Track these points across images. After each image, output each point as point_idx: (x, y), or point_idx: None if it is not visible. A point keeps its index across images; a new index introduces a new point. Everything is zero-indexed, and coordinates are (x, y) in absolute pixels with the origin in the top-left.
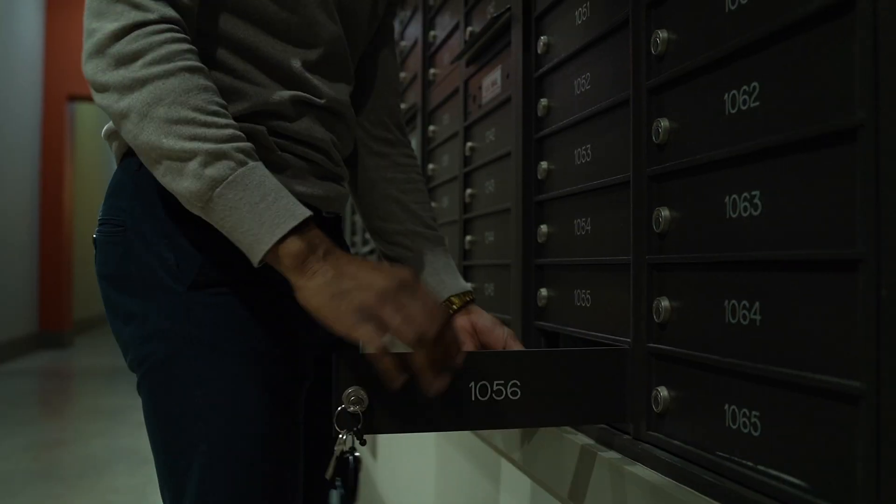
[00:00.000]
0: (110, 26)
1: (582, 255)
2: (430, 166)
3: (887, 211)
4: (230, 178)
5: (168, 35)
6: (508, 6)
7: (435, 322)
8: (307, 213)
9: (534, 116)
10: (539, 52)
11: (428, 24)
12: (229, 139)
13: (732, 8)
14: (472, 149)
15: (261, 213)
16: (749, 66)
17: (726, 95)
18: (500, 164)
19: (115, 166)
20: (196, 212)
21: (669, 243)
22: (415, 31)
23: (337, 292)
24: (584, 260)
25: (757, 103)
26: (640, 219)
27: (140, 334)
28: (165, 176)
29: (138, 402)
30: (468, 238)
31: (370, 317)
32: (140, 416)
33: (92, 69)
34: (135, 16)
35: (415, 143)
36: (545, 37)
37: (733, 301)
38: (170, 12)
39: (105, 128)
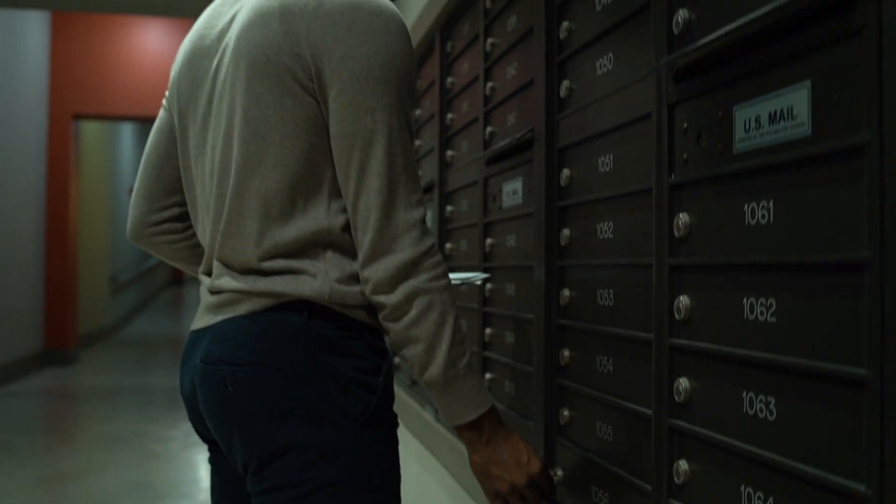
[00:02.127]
0: (428, 242)
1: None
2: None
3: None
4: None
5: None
6: (531, 128)
7: None
8: (491, 401)
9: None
10: (562, 183)
11: (446, 70)
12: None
13: None
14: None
15: (473, 395)
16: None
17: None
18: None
19: (120, 186)
20: (425, 375)
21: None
22: (431, 72)
23: (488, 474)
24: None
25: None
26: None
27: (302, 463)
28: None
29: (144, 428)
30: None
31: (502, 498)
32: (149, 446)
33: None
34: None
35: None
36: (567, 170)
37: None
38: None
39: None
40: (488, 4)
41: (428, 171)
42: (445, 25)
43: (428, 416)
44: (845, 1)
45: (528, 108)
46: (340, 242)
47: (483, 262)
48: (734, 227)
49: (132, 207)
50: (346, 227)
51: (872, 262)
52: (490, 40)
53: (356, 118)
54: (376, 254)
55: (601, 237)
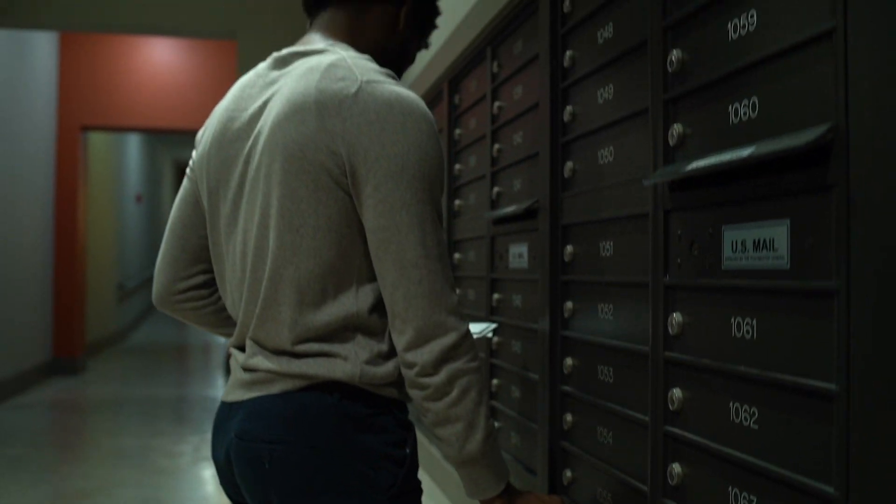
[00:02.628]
0: (465, 326)
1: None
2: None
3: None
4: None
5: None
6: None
7: None
8: (508, 473)
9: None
10: (565, 259)
11: (454, 122)
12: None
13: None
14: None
15: (499, 468)
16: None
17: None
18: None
19: (126, 194)
20: (463, 453)
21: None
22: (439, 120)
23: None
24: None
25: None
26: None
27: None
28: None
29: (152, 443)
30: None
31: None
32: (158, 462)
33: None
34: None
35: None
36: (570, 246)
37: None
38: None
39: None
40: (495, 69)
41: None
42: (453, 79)
43: (435, 451)
44: (819, 157)
45: (534, 180)
46: (369, 325)
47: (490, 314)
48: (721, 334)
49: (157, 275)
50: (373, 310)
51: (839, 394)
52: (497, 103)
53: (392, 213)
54: (421, 339)
55: (602, 316)
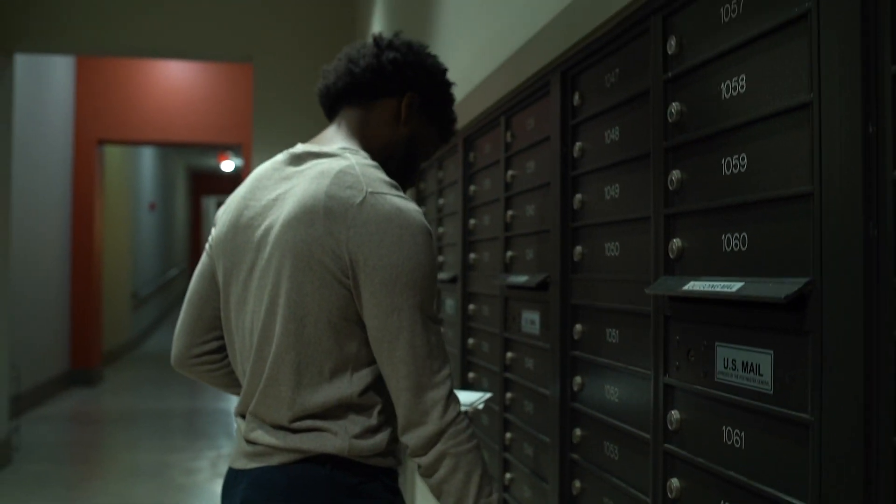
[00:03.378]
0: (452, 413)
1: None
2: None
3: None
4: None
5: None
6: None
7: None
8: None
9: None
10: (574, 337)
11: (468, 179)
12: None
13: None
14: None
15: None
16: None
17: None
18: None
19: (141, 204)
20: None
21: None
22: (455, 171)
23: None
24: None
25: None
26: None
27: None
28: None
29: (172, 458)
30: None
31: None
32: (177, 479)
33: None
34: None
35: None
36: (580, 325)
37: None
38: None
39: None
40: (509, 139)
41: (451, 265)
42: (468, 137)
43: None
44: (798, 305)
45: (545, 253)
46: (361, 403)
47: (503, 372)
48: (714, 438)
49: (176, 340)
50: (366, 391)
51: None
52: (510, 172)
53: (386, 316)
54: (410, 426)
55: (608, 397)
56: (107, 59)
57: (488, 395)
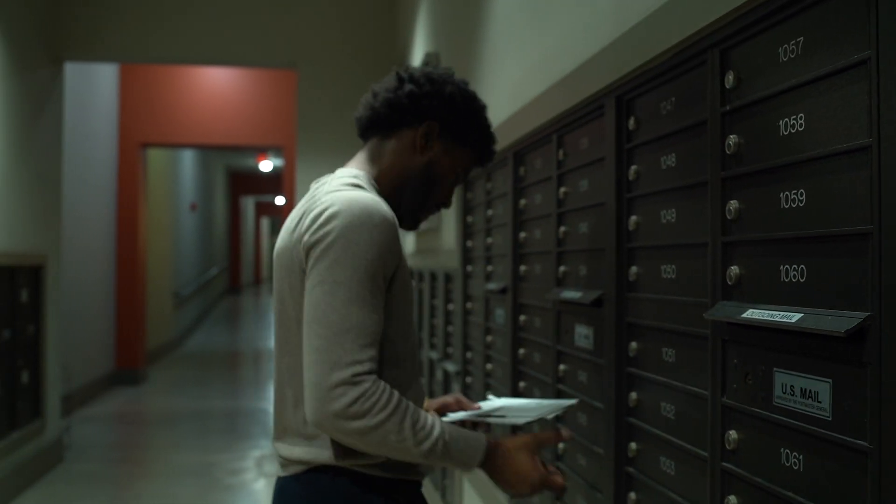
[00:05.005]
0: (351, 394)
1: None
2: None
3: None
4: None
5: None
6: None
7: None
8: (482, 449)
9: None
10: (630, 354)
11: (519, 192)
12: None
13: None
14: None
15: (464, 455)
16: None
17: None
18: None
19: (182, 205)
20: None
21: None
22: (504, 183)
23: (510, 489)
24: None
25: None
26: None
27: None
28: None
29: (218, 458)
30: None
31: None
32: (224, 479)
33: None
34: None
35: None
36: (635, 343)
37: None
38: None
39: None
40: (561, 156)
41: (501, 276)
42: (518, 152)
43: (502, 497)
44: (856, 337)
45: (599, 270)
46: None
47: (556, 383)
48: (771, 463)
49: None
50: None
51: None
52: (563, 188)
53: (311, 288)
54: (310, 400)
55: (664, 413)
56: (148, 66)
57: (572, 402)
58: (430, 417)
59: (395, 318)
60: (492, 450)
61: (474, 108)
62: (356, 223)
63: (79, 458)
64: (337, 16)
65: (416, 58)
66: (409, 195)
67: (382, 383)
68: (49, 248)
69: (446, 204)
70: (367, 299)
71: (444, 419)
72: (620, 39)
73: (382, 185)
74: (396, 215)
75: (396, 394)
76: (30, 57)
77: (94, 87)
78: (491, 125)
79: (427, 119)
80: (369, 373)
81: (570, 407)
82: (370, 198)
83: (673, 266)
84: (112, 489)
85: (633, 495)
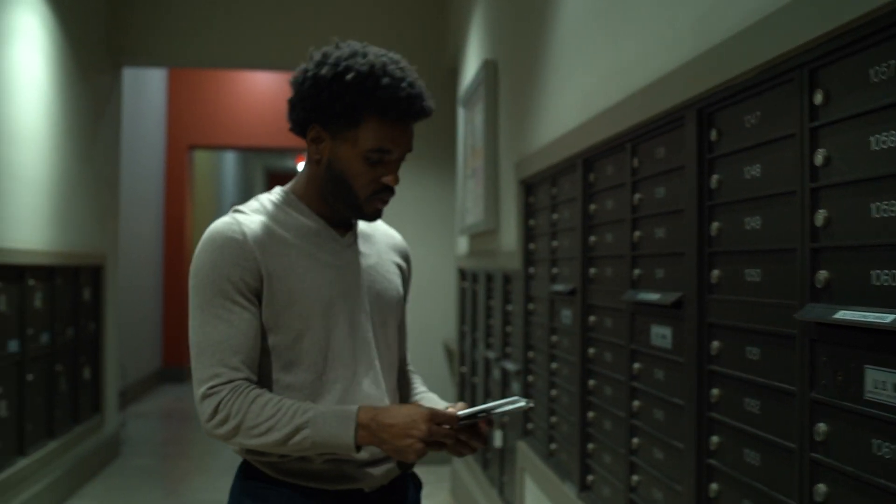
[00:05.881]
0: (202, 408)
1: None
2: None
3: None
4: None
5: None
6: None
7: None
8: (352, 423)
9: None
10: (712, 353)
11: (588, 198)
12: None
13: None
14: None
15: (334, 438)
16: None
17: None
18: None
19: (224, 205)
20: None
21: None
22: (573, 189)
23: (395, 453)
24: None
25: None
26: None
27: None
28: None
29: None
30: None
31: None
32: None
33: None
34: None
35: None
36: (717, 342)
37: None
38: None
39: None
40: (636, 164)
41: (568, 278)
42: (587, 159)
43: (569, 490)
44: None
45: (678, 274)
46: None
47: (630, 381)
48: (861, 453)
49: None
50: None
51: None
52: (637, 195)
53: None
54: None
55: (748, 409)
56: (195, 71)
57: (524, 403)
58: (297, 408)
59: (276, 329)
60: (364, 425)
61: (342, 85)
62: (199, 250)
63: (134, 452)
64: (383, 22)
65: (470, 64)
66: (333, 198)
67: (243, 387)
68: (108, 248)
69: (386, 186)
70: (221, 315)
71: None
72: (703, 56)
73: (308, 196)
74: (348, 214)
75: (254, 394)
76: (92, 63)
77: (144, 90)
78: (369, 77)
79: (308, 125)
80: (228, 381)
81: (524, 409)
82: (223, 222)
83: (758, 270)
84: (168, 483)
85: (714, 486)
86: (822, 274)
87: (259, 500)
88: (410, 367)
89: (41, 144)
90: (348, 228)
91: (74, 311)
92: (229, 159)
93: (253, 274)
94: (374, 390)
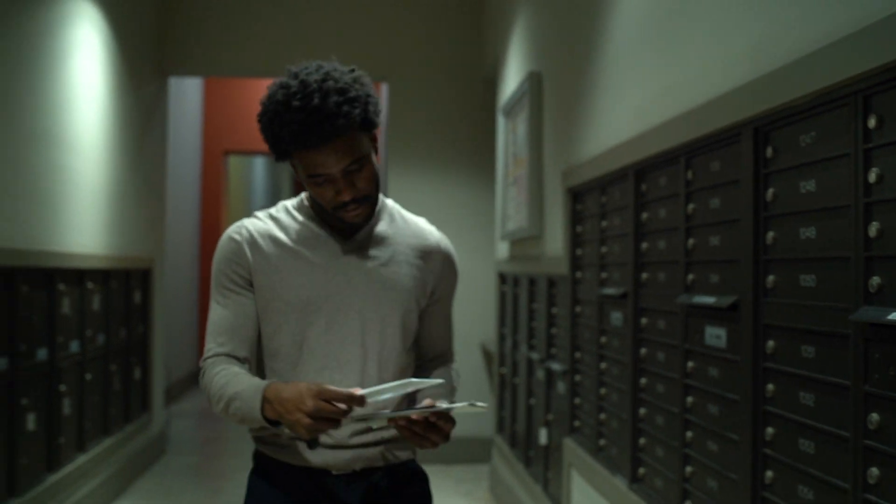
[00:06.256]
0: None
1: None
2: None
3: None
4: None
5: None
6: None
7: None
8: (258, 398)
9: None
10: (767, 351)
11: (640, 206)
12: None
13: None
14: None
15: (248, 411)
16: None
17: None
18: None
19: (253, 209)
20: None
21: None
22: (624, 197)
23: (292, 428)
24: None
25: None
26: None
27: None
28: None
29: None
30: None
31: (315, 428)
32: None
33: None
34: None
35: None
36: (772, 342)
37: None
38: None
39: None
40: (690, 176)
41: (619, 282)
42: (639, 171)
43: (619, 483)
44: None
45: (733, 280)
46: None
47: (683, 379)
48: None
49: None
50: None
51: None
52: (691, 205)
53: None
54: None
55: (802, 402)
56: (230, 78)
57: (477, 408)
58: (237, 382)
59: (262, 319)
60: (268, 399)
61: (262, 128)
62: (218, 246)
63: (179, 450)
64: (426, 33)
65: (511, 75)
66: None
67: (217, 361)
68: (155, 252)
69: (344, 202)
70: (219, 301)
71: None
72: (760, 80)
73: (318, 203)
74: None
75: (219, 367)
76: (141, 73)
77: (182, 97)
78: (283, 125)
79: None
80: (213, 356)
81: (474, 410)
82: (234, 226)
83: (812, 276)
84: (214, 481)
85: (769, 473)
86: (875, 280)
87: (257, 475)
88: (439, 361)
89: (97, 152)
90: (356, 231)
91: (126, 313)
92: (258, 164)
93: (244, 269)
94: (347, 383)
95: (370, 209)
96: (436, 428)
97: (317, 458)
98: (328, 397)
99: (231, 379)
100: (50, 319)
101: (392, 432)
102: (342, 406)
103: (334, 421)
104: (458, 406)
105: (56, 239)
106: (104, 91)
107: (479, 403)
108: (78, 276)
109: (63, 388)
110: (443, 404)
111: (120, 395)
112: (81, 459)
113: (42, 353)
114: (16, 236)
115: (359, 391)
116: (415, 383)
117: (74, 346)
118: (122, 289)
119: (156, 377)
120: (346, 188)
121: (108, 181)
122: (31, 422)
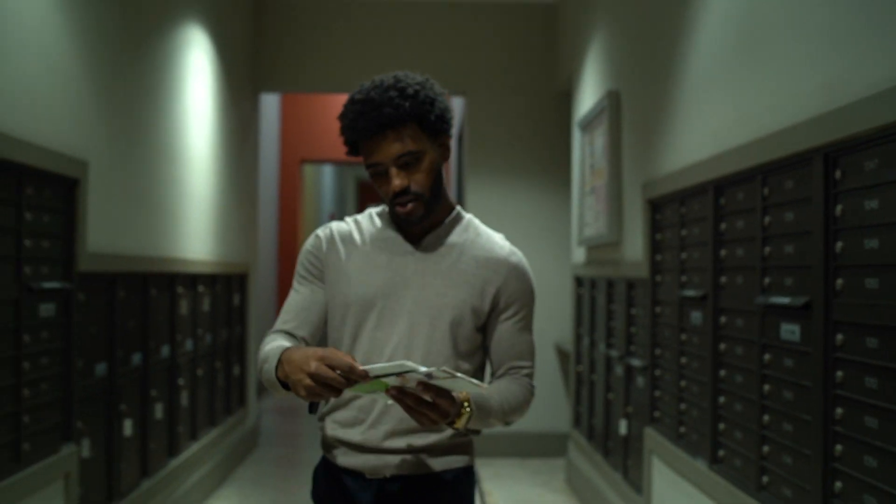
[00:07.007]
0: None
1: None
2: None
3: None
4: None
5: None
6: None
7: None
8: (274, 363)
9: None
10: (836, 343)
11: (719, 219)
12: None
13: None
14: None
15: (270, 374)
16: None
17: None
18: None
19: (323, 214)
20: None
21: None
22: (702, 209)
23: (295, 389)
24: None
25: None
26: None
27: None
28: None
29: None
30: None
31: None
32: None
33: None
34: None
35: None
36: (840, 335)
37: None
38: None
39: None
40: (766, 192)
41: (700, 285)
42: (718, 186)
43: (700, 465)
44: None
45: (806, 281)
46: None
47: (761, 369)
48: None
49: None
50: None
51: None
52: (767, 217)
53: None
54: None
55: (867, 386)
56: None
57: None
58: (273, 348)
59: (329, 312)
60: (282, 360)
61: (340, 115)
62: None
63: (270, 443)
64: (503, 47)
65: (587, 91)
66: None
67: (272, 337)
68: (250, 258)
69: (395, 193)
70: (296, 287)
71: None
72: (832, 113)
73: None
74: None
75: (270, 338)
76: (239, 89)
77: (262, 110)
78: (345, 116)
79: None
80: (273, 332)
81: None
82: (325, 224)
83: (875, 279)
84: (304, 471)
85: (838, 447)
86: None
87: (318, 472)
88: (508, 377)
89: (205, 166)
90: (425, 236)
91: (228, 315)
92: (327, 172)
93: (319, 262)
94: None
95: (423, 208)
96: (434, 406)
97: (350, 460)
98: (330, 363)
99: (273, 347)
100: (171, 320)
101: (427, 440)
102: (340, 377)
103: (335, 389)
104: (438, 373)
105: (176, 246)
106: (210, 109)
107: (475, 381)
108: (192, 281)
109: (181, 381)
110: (421, 369)
111: (223, 391)
112: (195, 447)
113: (165, 351)
114: (147, 245)
115: (360, 367)
116: (409, 366)
117: (189, 345)
118: (225, 292)
119: (250, 375)
120: (397, 179)
121: (213, 192)
122: (158, 411)
